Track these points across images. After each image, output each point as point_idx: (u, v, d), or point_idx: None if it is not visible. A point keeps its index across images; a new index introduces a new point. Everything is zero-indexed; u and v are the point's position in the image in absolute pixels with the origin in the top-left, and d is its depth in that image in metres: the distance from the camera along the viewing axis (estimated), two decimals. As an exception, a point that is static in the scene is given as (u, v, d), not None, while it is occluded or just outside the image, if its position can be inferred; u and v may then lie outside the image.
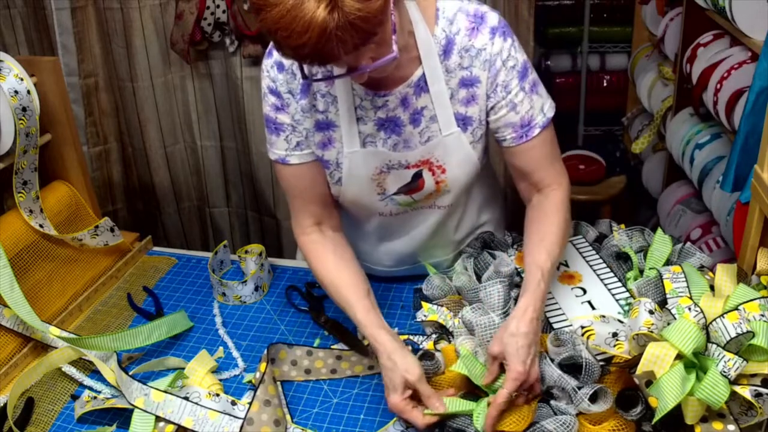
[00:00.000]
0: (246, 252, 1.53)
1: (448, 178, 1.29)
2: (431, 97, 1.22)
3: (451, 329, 1.23)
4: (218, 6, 2.17)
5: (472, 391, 1.13)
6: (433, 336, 1.24)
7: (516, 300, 1.18)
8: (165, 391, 1.17)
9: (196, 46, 2.25)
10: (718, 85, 1.87)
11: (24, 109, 1.39)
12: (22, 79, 1.40)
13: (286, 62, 1.22)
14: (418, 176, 1.28)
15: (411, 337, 1.30)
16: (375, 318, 1.20)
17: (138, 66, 2.34)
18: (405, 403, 1.12)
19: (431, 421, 1.10)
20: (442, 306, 1.27)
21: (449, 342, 1.22)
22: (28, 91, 1.41)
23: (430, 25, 1.19)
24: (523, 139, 1.24)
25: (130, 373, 1.21)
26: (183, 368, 1.25)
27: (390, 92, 1.21)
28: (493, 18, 1.19)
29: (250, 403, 1.14)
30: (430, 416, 1.10)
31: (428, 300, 1.30)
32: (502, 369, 1.10)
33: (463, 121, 1.25)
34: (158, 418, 1.16)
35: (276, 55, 1.23)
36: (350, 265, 1.29)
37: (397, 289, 1.49)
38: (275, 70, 1.23)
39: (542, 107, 1.25)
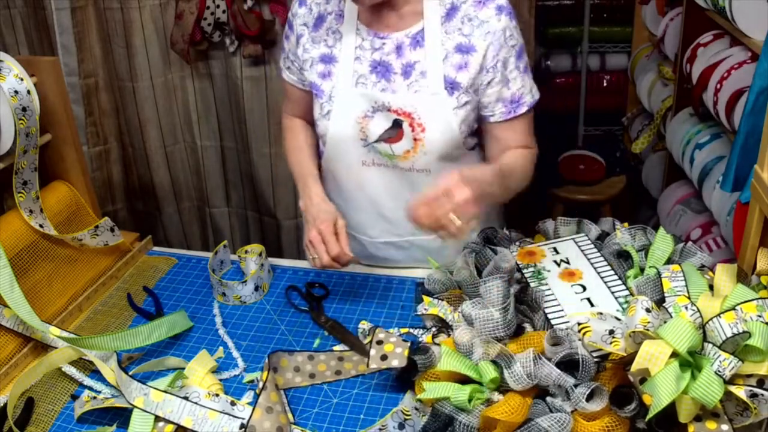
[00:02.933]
0: (246, 252, 1.53)
1: (426, 137, 1.37)
2: (425, 52, 1.34)
3: (450, 323, 1.24)
4: (218, 6, 2.17)
5: (463, 380, 1.13)
6: (433, 329, 1.25)
7: (516, 296, 1.19)
8: (164, 391, 1.17)
9: (196, 46, 2.25)
10: (718, 85, 1.87)
11: (24, 109, 1.40)
12: (22, 79, 1.40)
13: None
14: (398, 124, 1.38)
15: (411, 331, 1.32)
16: (316, 181, 1.46)
17: (138, 66, 2.34)
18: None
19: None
20: (442, 300, 1.28)
21: (448, 335, 1.22)
22: (28, 91, 1.41)
23: None
24: (511, 114, 1.38)
25: (130, 373, 1.21)
26: (183, 368, 1.25)
27: (388, 36, 1.36)
28: None
29: (252, 411, 1.12)
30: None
31: (429, 294, 1.31)
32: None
33: (451, 85, 1.34)
34: (157, 418, 1.16)
35: None
36: (313, 149, 1.54)
37: (397, 288, 1.50)
38: (297, 5, 1.46)
39: (531, 89, 1.40)
